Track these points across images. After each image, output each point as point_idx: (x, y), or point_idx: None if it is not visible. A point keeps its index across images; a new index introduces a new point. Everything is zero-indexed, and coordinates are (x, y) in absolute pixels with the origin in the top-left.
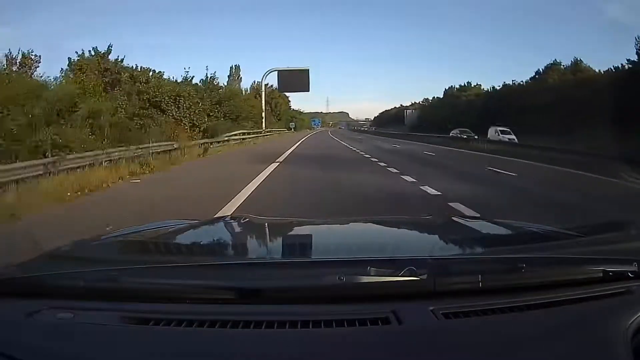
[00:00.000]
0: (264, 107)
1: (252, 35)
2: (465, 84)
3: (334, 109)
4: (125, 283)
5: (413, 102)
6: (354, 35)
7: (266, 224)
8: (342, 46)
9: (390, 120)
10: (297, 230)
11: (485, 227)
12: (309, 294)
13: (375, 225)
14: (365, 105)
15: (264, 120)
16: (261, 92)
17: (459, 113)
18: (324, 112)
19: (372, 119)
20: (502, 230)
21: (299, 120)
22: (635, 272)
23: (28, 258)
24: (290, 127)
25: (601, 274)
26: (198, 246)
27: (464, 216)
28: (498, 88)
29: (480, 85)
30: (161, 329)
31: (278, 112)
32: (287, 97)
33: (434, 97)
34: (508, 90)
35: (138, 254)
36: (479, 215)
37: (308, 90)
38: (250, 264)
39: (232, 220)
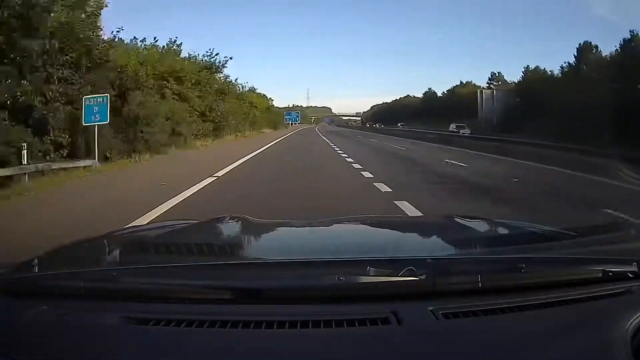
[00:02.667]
0: None
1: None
2: None
3: (315, 103)
4: (125, 283)
5: (462, 82)
6: (337, 27)
7: (266, 225)
8: (323, 38)
9: (405, 114)
10: (297, 231)
11: (485, 227)
12: (309, 294)
13: (374, 225)
14: (350, 101)
15: None
16: None
17: None
18: (304, 105)
19: (362, 112)
20: (502, 230)
21: (255, 109)
22: (635, 272)
23: (28, 258)
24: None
25: (601, 274)
26: (198, 246)
27: (464, 216)
28: None
29: None
30: (161, 329)
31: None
32: None
33: (526, 68)
34: None
35: (138, 254)
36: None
37: None
38: (250, 264)
39: (232, 221)
